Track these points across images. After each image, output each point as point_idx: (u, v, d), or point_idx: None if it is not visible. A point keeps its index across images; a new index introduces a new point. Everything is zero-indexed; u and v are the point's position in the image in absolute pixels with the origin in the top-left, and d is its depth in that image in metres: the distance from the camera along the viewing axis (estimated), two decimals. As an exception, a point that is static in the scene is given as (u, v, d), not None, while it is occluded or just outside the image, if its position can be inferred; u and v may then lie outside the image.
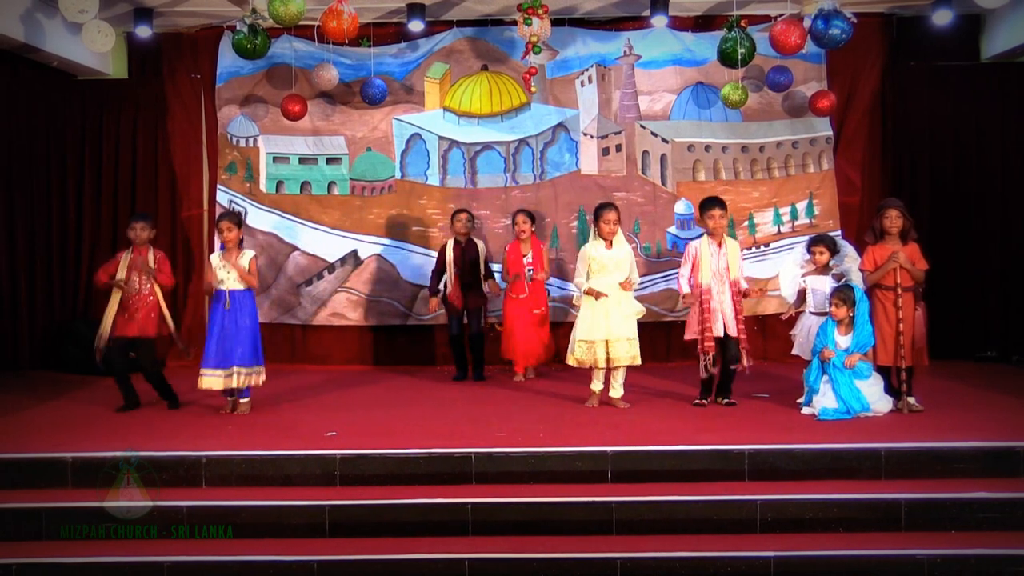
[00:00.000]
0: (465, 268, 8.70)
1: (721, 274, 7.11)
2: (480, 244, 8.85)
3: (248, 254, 7.28)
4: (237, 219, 7.42)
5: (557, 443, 6.06)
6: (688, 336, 7.29)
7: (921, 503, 5.50)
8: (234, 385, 7.16)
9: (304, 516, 5.57)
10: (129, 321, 7.34)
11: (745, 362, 7.15)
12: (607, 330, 7.13)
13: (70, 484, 5.89)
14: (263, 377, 7.31)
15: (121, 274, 7.33)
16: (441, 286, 8.78)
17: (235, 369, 7.11)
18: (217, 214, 9.64)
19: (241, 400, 7.28)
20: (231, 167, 9.87)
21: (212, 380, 7.13)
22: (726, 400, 7.28)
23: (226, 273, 7.19)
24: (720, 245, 7.16)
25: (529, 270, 8.60)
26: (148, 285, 7.39)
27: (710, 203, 7.24)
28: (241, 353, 7.11)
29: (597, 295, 7.13)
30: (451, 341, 9.02)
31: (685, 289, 7.25)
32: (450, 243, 8.79)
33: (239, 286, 7.19)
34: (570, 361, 7.33)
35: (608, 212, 7.19)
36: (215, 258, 7.28)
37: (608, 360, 7.16)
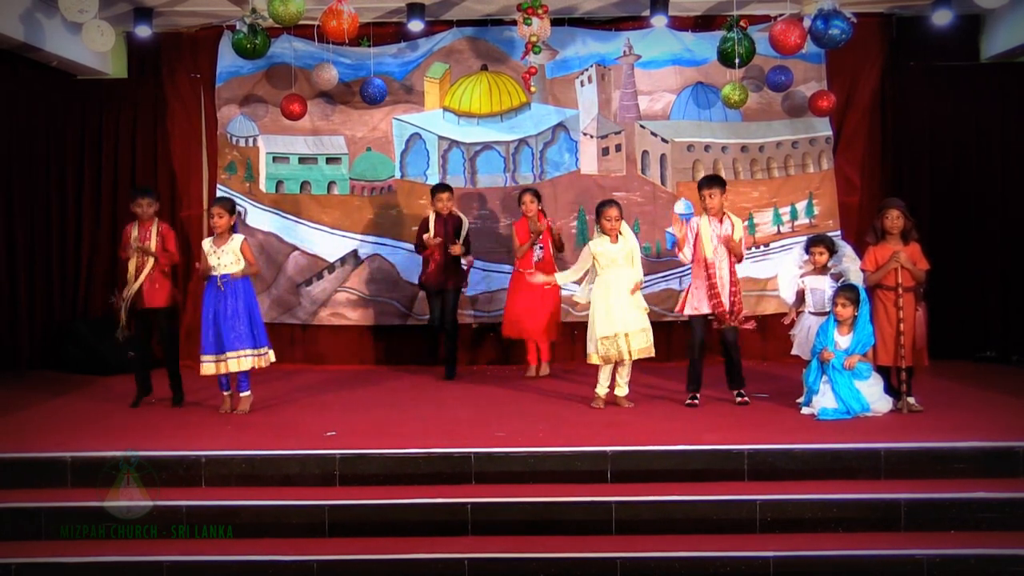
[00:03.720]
0: (448, 239, 8.65)
1: (722, 247, 7.16)
2: (464, 218, 8.86)
3: (237, 238, 7.28)
4: (229, 205, 7.39)
5: (557, 443, 6.07)
6: (682, 310, 7.33)
7: (921, 503, 5.50)
8: (231, 370, 7.16)
9: (303, 516, 5.57)
10: (139, 296, 7.38)
11: (746, 323, 7.26)
12: (624, 323, 7.13)
13: (69, 484, 5.89)
14: (269, 358, 7.33)
15: (133, 244, 7.38)
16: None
17: (228, 355, 7.12)
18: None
19: (241, 395, 7.28)
20: (231, 167, 9.86)
21: (206, 366, 7.17)
22: (740, 396, 7.29)
23: (217, 259, 7.21)
24: (721, 221, 7.23)
25: (539, 247, 8.62)
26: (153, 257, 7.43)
27: (708, 182, 7.33)
28: (236, 337, 7.12)
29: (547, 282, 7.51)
30: (431, 330, 9.03)
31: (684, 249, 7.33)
32: (432, 215, 8.76)
33: (230, 269, 7.21)
34: (594, 360, 7.25)
35: (609, 209, 7.22)
36: (206, 244, 7.32)
37: (629, 352, 7.15)
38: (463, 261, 8.79)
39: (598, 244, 7.23)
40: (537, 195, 8.76)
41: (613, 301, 7.15)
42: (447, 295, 8.76)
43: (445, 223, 8.73)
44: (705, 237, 7.20)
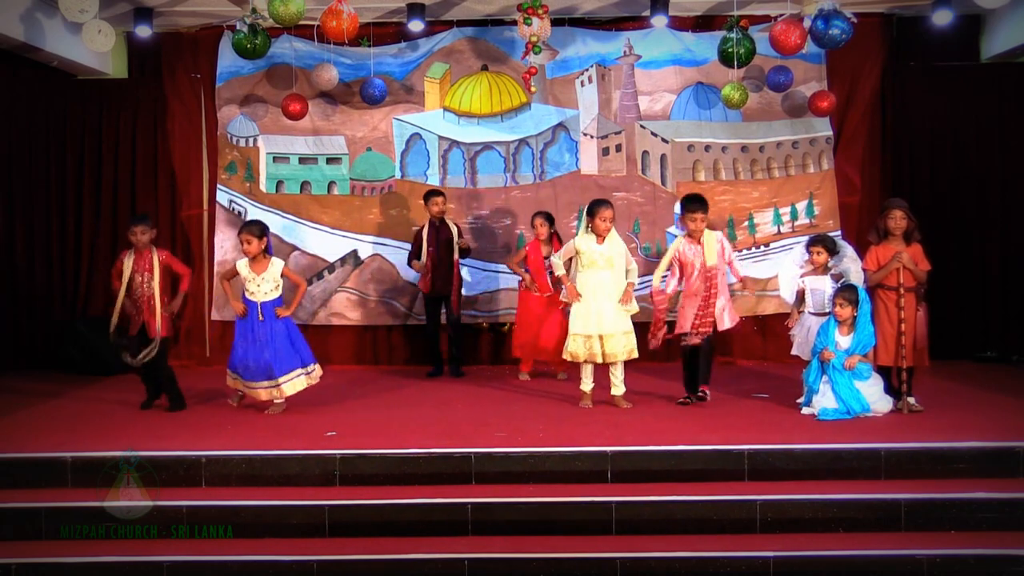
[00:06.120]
0: (439, 249, 8.75)
1: (703, 271, 7.16)
2: (453, 227, 8.90)
3: (278, 264, 7.22)
4: (258, 230, 7.19)
5: (557, 443, 6.06)
6: (677, 331, 7.33)
7: (921, 503, 5.50)
8: (287, 394, 7.16)
9: (304, 516, 5.58)
10: (139, 324, 7.33)
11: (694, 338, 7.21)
12: (599, 324, 7.13)
13: (70, 484, 5.90)
14: (319, 373, 7.33)
15: (126, 277, 7.29)
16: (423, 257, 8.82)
17: (280, 380, 7.11)
18: (217, 214, 9.70)
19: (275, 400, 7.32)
20: (231, 167, 9.86)
21: (261, 392, 7.14)
22: (700, 393, 7.26)
23: (256, 286, 7.16)
24: (699, 243, 7.20)
25: (551, 271, 8.61)
26: (154, 286, 7.30)
27: (694, 205, 7.21)
28: (286, 359, 7.10)
29: (573, 294, 7.17)
30: (427, 334, 9.11)
31: (667, 289, 7.32)
32: (425, 226, 8.88)
33: (270, 296, 7.16)
34: (564, 355, 7.37)
35: (604, 209, 7.19)
36: (243, 268, 7.23)
37: (604, 356, 7.16)
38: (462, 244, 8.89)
39: (583, 241, 7.23)
40: (550, 219, 8.72)
41: (591, 303, 7.15)
42: (447, 301, 8.85)
43: (438, 231, 8.78)
44: (687, 263, 7.22)
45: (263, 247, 7.20)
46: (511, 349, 9.11)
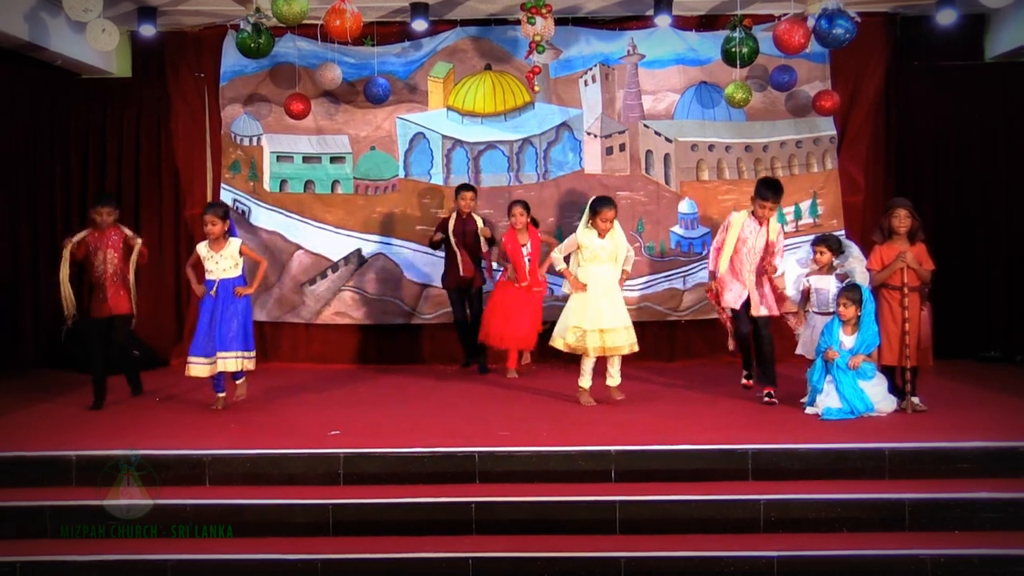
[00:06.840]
0: (467, 241, 8.86)
1: (756, 251, 7.23)
2: (478, 219, 8.94)
3: (235, 242, 7.31)
4: (221, 212, 7.35)
5: (561, 442, 6.07)
6: (725, 305, 7.41)
7: (925, 503, 5.50)
8: (222, 370, 7.20)
9: (307, 515, 5.59)
10: (103, 302, 7.46)
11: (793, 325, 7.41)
12: (598, 319, 7.12)
13: (74, 483, 5.91)
14: (252, 363, 7.37)
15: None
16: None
17: (219, 355, 7.15)
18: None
19: (236, 381, 7.38)
20: (235, 166, 9.87)
21: (198, 368, 7.20)
22: (767, 396, 7.23)
23: (215, 264, 7.23)
24: (762, 225, 7.26)
25: (527, 259, 8.64)
26: (115, 264, 7.44)
27: (767, 192, 7.25)
28: (231, 338, 7.16)
29: (577, 285, 7.18)
30: (457, 326, 9.18)
31: (711, 267, 7.42)
32: (452, 217, 8.95)
33: (228, 275, 7.24)
34: (558, 345, 7.31)
35: (607, 210, 7.16)
36: (202, 249, 7.32)
37: (604, 349, 7.15)
38: (494, 265, 8.99)
39: (586, 236, 7.22)
40: (527, 207, 8.76)
41: (592, 297, 7.15)
42: (471, 295, 8.94)
43: (464, 224, 8.85)
44: (732, 234, 7.26)
45: (226, 228, 7.29)
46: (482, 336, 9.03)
